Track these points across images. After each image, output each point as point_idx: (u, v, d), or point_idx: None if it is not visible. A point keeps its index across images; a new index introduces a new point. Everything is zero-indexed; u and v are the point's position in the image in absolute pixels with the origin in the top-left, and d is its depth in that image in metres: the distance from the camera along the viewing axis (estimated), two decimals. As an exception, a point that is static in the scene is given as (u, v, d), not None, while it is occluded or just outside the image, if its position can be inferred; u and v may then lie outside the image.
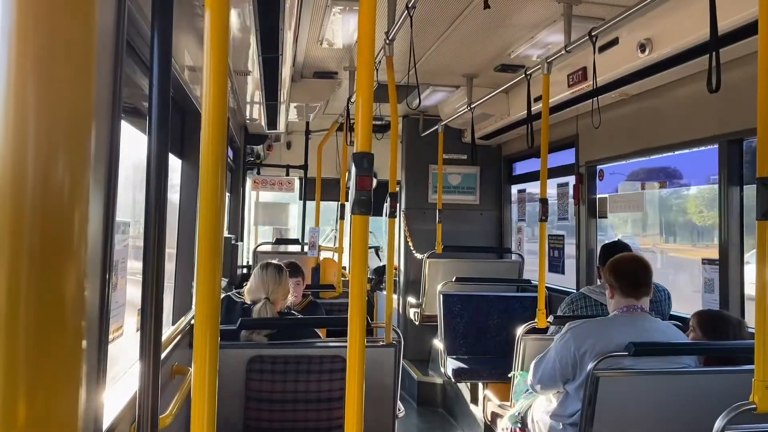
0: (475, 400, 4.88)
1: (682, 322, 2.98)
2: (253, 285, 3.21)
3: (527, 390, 3.17)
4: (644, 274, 2.67)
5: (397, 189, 6.32)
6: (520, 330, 3.39)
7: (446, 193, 6.36)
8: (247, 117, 5.41)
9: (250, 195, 8.11)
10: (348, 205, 1.46)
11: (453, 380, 4.70)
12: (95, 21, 0.53)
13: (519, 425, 3.15)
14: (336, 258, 5.98)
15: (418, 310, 5.78)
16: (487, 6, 2.77)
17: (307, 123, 6.98)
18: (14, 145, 0.45)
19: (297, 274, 4.06)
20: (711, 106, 3.46)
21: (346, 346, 1.39)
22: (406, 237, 6.52)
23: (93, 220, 1.22)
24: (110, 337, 1.42)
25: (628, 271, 2.68)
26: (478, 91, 5.09)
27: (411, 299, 6.11)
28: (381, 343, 2.89)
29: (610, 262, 2.78)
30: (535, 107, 4.02)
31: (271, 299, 3.08)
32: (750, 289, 2.98)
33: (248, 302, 3.18)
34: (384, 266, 7.28)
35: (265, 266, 3.22)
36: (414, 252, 6.37)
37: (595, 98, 3.49)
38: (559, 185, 5.29)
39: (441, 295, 5.04)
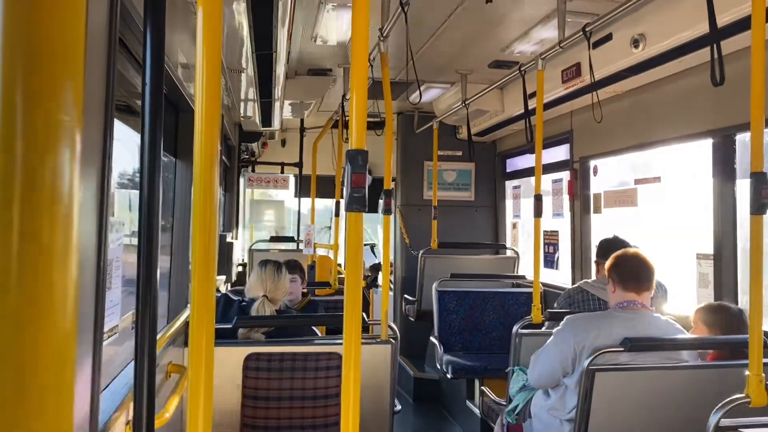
0: (471, 395, 4.88)
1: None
2: (252, 283, 3.23)
3: (524, 385, 3.18)
4: (646, 270, 2.68)
5: (392, 186, 6.33)
6: (516, 326, 3.39)
7: (441, 189, 6.36)
8: (242, 114, 5.40)
9: (245, 192, 8.10)
10: (343, 203, 1.45)
11: (449, 376, 4.70)
12: (86, 17, 0.52)
13: (516, 421, 3.15)
14: (331, 255, 5.98)
15: (414, 307, 5.78)
16: (489, 0, 2.76)
17: (302, 120, 6.97)
18: (2, 144, 0.44)
19: (294, 271, 4.05)
20: (704, 101, 3.46)
21: (342, 343, 1.39)
22: (401, 234, 6.52)
23: (85, 219, 1.22)
24: (105, 336, 1.41)
25: (629, 266, 2.68)
26: (473, 87, 5.09)
27: (407, 296, 6.11)
28: (377, 339, 2.89)
29: (612, 256, 2.78)
30: (530, 103, 4.02)
31: (270, 297, 3.09)
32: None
33: (247, 300, 3.19)
34: (379, 263, 7.28)
35: (263, 264, 3.24)
36: (410, 249, 6.37)
37: (594, 92, 3.49)
38: (554, 181, 5.30)
39: (436, 292, 5.04)
